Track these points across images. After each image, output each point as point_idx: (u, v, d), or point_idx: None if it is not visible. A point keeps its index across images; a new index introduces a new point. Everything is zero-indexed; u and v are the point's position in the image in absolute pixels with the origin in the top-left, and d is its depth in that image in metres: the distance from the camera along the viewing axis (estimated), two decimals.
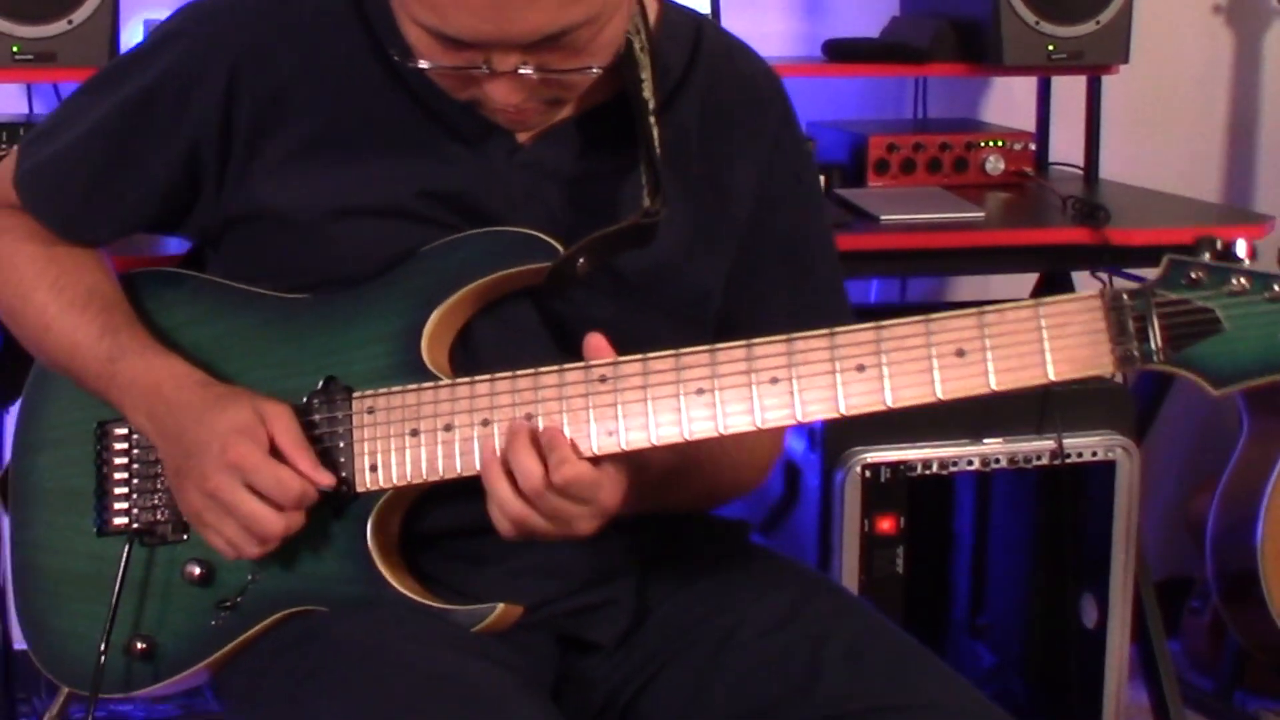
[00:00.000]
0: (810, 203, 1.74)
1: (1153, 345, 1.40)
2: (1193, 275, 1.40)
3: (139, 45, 1.69)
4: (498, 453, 1.47)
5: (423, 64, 1.47)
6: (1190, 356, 1.40)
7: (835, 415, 1.45)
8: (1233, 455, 3.03)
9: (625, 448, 1.47)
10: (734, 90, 1.68)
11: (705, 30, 1.70)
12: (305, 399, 1.57)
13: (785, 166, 1.69)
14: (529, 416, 1.49)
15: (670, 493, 1.62)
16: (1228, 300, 1.39)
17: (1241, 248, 1.40)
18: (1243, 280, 1.39)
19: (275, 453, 1.52)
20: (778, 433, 1.71)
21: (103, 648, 1.61)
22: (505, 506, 1.47)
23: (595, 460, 1.47)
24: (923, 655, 1.59)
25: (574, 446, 1.46)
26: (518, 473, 1.46)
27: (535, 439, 1.46)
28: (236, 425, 1.52)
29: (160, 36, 1.66)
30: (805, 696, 1.54)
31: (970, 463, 2.52)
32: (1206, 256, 1.40)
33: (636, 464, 1.51)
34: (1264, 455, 2.96)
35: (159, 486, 1.63)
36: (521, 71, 1.45)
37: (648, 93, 1.58)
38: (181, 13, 1.66)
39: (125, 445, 1.66)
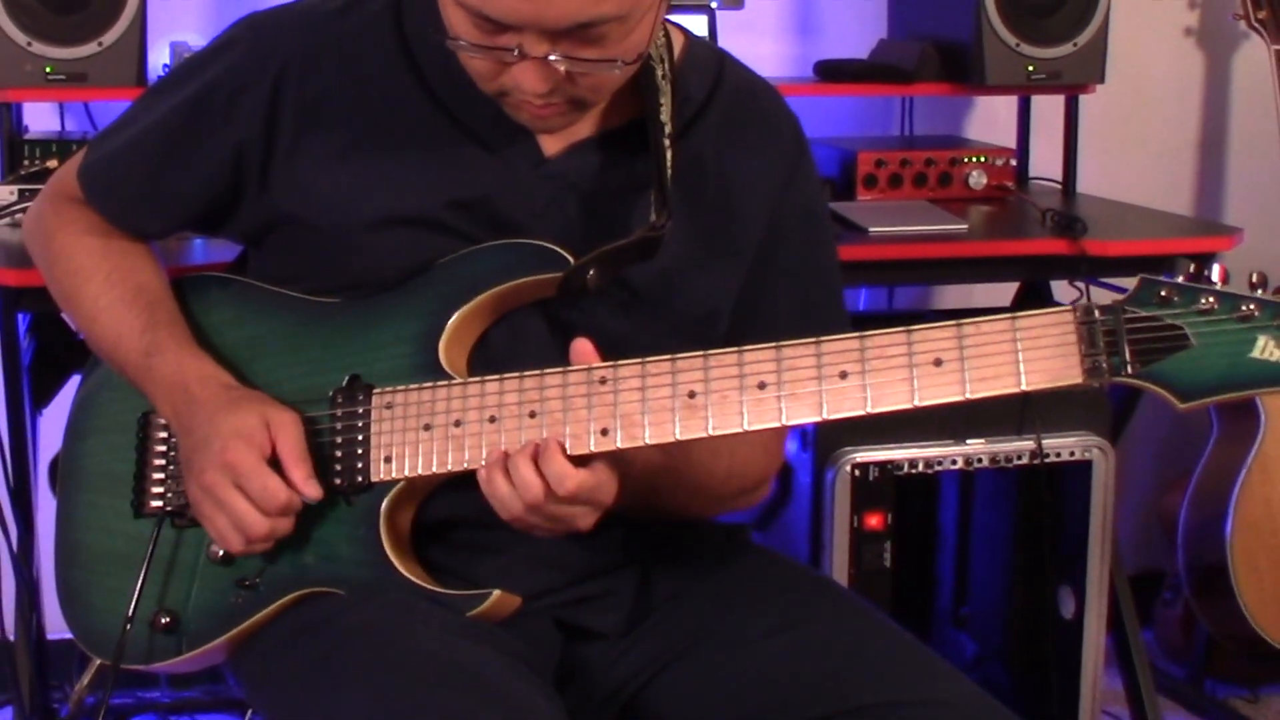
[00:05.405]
0: (820, 237, 1.74)
1: (1121, 359, 1.40)
2: (1163, 294, 1.40)
3: (201, 51, 1.73)
4: (498, 461, 1.49)
5: (461, 43, 1.48)
6: (1157, 371, 1.39)
7: (818, 419, 1.46)
8: (1203, 455, 3.03)
9: (620, 445, 1.48)
10: (752, 125, 1.69)
11: (728, 66, 1.71)
12: (330, 394, 1.60)
13: (798, 201, 1.70)
14: (532, 414, 1.50)
15: (657, 496, 1.62)
16: (1196, 319, 1.39)
17: (1215, 271, 1.40)
18: (1211, 300, 1.38)
19: (276, 460, 1.54)
20: (771, 449, 1.72)
21: (130, 614, 1.63)
22: (507, 506, 1.48)
23: (587, 460, 1.48)
24: (925, 654, 1.60)
25: (565, 452, 1.47)
26: (519, 484, 1.47)
27: (534, 455, 1.47)
28: (239, 429, 1.55)
29: (220, 43, 1.69)
30: (814, 694, 1.55)
31: (954, 462, 2.52)
32: (1180, 277, 1.40)
33: (621, 461, 1.52)
34: (1233, 455, 2.96)
35: None
36: (551, 59, 1.46)
37: (665, 117, 1.59)
38: (240, 21, 1.70)
39: (165, 434, 1.69)
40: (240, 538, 1.55)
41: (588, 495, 1.48)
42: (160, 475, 1.68)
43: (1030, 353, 1.42)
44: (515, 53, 1.46)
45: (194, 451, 1.58)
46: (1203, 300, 1.39)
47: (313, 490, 1.54)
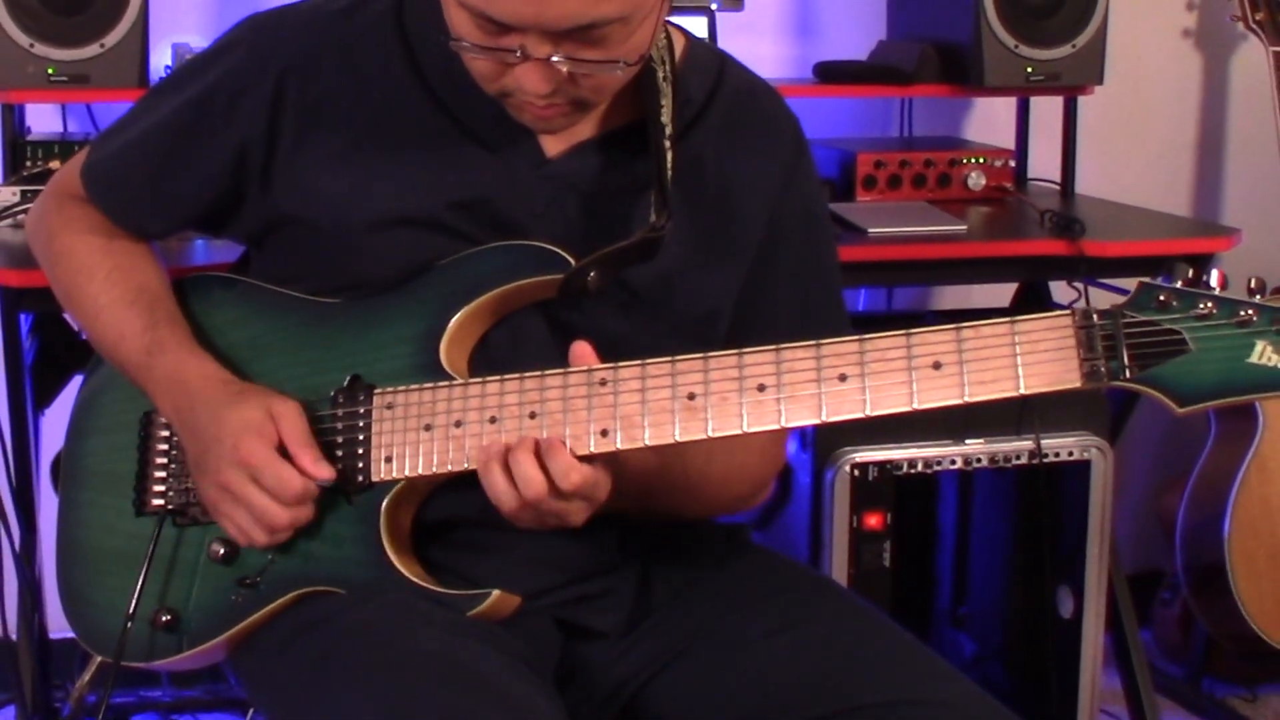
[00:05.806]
0: (819, 237, 1.74)
1: (1119, 363, 1.40)
2: (1161, 298, 1.39)
3: (204, 51, 1.73)
4: (497, 454, 1.48)
5: (463, 44, 1.48)
6: (1156, 376, 1.39)
7: (817, 422, 1.45)
8: (1201, 455, 3.03)
9: (620, 447, 1.48)
10: (753, 126, 1.69)
11: (728, 68, 1.71)
12: (331, 394, 1.60)
13: (798, 202, 1.70)
14: (533, 415, 1.50)
15: (652, 497, 1.62)
16: (1195, 324, 1.38)
17: (1214, 276, 1.39)
18: (1210, 305, 1.38)
19: (283, 448, 1.54)
20: (769, 453, 1.72)
21: (130, 612, 1.63)
22: (503, 502, 1.48)
23: (589, 459, 1.48)
24: (925, 654, 1.60)
25: (571, 451, 1.47)
26: (519, 479, 1.47)
27: (536, 449, 1.47)
28: (247, 423, 1.55)
29: (222, 44, 1.70)
30: (814, 694, 1.54)
31: (953, 462, 2.52)
32: (1179, 282, 1.39)
33: (614, 461, 1.52)
34: (1231, 455, 2.96)
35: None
36: (553, 60, 1.46)
37: (666, 118, 1.59)
38: (243, 22, 1.70)
39: (166, 433, 1.69)
40: (263, 531, 1.55)
41: (588, 490, 1.49)
42: (162, 474, 1.68)
43: (1029, 356, 1.42)
44: (518, 54, 1.46)
45: (205, 452, 1.58)
46: (1201, 305, 1.38)
47: (324, 472, 1.54)
